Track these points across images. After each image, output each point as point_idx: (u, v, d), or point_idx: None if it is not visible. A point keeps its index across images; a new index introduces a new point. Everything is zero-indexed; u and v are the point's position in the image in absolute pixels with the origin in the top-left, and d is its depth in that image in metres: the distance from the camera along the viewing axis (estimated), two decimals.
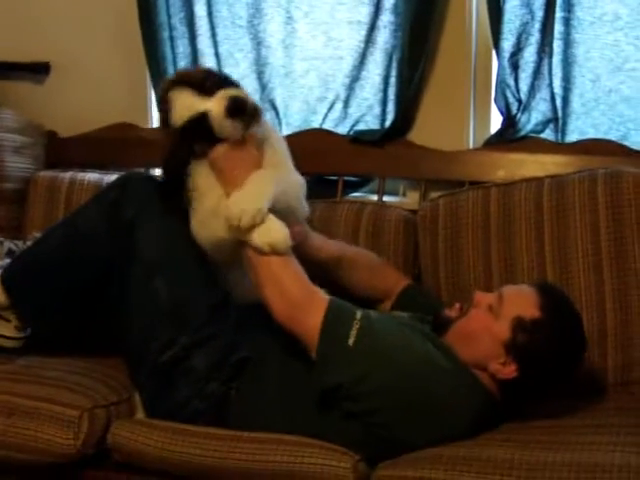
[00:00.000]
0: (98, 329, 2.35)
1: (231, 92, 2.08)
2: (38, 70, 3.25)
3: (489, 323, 2.04)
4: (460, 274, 2.49)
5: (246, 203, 2.00)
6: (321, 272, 2.24)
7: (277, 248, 2.01)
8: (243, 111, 2.06)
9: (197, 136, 2.09)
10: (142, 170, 3.06)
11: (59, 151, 3.20)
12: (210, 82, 2.11)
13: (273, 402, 2.08)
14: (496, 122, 2.81)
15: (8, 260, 2.49)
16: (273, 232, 2.01)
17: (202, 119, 2.06)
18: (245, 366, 2.13)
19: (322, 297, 2.04)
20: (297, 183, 2.22)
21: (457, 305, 2.16)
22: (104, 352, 2.40)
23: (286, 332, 2.03)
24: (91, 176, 3.00)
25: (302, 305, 2.01)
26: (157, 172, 3.06)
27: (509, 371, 2.01)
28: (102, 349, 2.40)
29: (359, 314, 2.02)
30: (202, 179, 2.13)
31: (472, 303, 2.11)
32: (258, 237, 2.00)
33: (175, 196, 2.16)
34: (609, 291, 2.33)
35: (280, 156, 2.20)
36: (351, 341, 1.96)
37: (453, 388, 1.99)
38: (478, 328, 2.06)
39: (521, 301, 2.05)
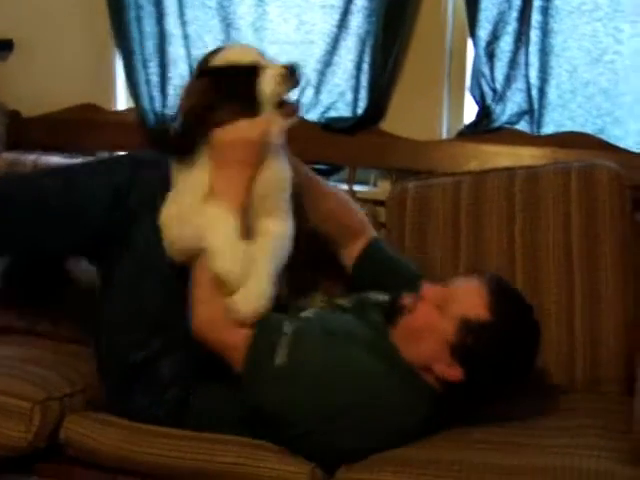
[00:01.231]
0: (64, 298, 2.31)
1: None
2: (0, 47, 3.17)
3: (435, 321, 1.94)
4: (427, 262, 2.40)
5: (256, 302, 1.89)
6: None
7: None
8: (297, 80, 1.94)
9: (233, 87, 1.94)
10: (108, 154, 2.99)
11: (21, 131, 3.11)
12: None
13: (228, 408, 2.00)
14: (470, 112, 2.76)
15: None
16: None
17: (250, 70, 1.93)
18: (206, 374, 2.04)
19: None
20: (288, 242, 2.02)
21: (409, 296, 2.03)
22: (60, 338, 2.34)
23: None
24: (56, 160, 2.87)
25: (224, 321, 1.90)
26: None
27: (455, 373, 1.91)
28: (58, 335, 2.34)
29: (288, 328, 1.93)
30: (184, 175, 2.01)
31: (419, 296, 1.99)
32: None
33: (186, 153, 2.00)
34: (579, 286, 2.29)
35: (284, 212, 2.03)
36: (278, 360, 1.87)
37: (396, 396, 1.91)
38: (423, 326, 1.95)
39: (469, 300, 1.94)
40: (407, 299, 2.02)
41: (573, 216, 2.32)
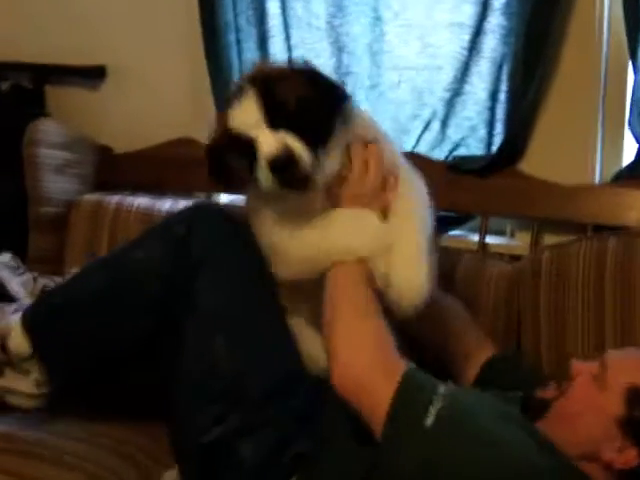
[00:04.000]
0: (138, 384, 2.04)
1: (289, 141, 1.71)
2: (92, 75, 3.02)
3: (594, 398, 1.68)
4: (566, 344, 2.14)
5: (424, 284, 1.80)
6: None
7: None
8: (288, 180, 1.73)
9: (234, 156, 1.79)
10: (206, 195, 2.80)
11: (113, 169, 2.94)
12: (283, 109, 1.72)
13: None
14: (630, 152, 2.39)
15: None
16: None
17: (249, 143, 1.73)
18: (303, 461, 1.77)
19: (400, 365, 1.67)
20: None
21: (553, 384, 1.79)
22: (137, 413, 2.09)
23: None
24: (141, 201, 2.73)
25: (374, 371, 1.66)
26: (222, 197, 2.83)
27: (629, 458, 1.63)
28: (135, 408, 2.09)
29: (442, 389, 1.66)
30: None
31: (571, 377, 1.74)
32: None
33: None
34: None
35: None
36: (429, 421, 1.59)
37: None
38: (582, 407, 1.69)
39: (632, 366, 1.70)
40: (545, 392, 1.78)
41: None
